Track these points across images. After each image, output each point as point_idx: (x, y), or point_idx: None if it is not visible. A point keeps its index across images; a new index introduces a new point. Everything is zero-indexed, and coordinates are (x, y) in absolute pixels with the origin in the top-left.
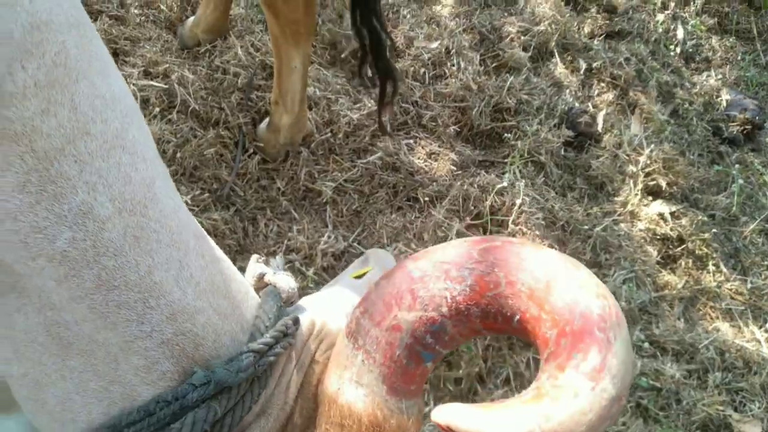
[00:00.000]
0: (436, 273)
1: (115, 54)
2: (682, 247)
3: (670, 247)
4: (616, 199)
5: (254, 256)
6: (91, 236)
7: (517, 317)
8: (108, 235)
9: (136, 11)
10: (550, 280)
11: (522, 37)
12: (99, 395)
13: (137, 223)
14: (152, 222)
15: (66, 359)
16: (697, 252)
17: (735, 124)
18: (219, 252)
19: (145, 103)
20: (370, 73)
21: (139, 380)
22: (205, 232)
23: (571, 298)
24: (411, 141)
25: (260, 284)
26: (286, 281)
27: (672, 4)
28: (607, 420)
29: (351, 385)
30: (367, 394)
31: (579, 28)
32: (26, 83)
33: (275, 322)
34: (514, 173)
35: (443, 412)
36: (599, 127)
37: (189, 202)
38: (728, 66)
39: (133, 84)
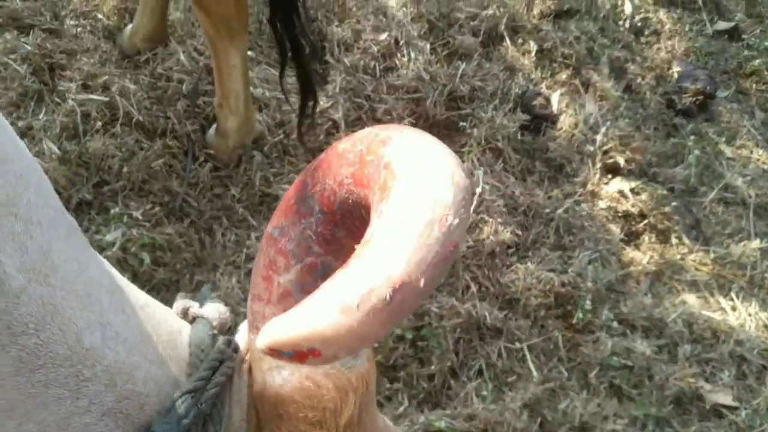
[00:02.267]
0: (290, 219)
1: (51, 69)
2: (644, 222)
3: (633, 223)
4: (575, 179)
5: (179, 294)
6: (4, 316)
7: (363, 211)
8: (25, 310)
9: (71, 22)
10: (361, 153)
11: (471, 23)
12: None
13: (49, 293)
14: (58, 290)
15: None
16: (659, 226)
17: (687, 95)
18: (142, 297)
19: (86, 117)
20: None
21: None
22: (120, 282)
23: (376, 156)
24: None
25: (187, 320)
26: (213, 309)
27: None
28: (433, 246)
29: (273, 373)
30: (291, 372)
31: (528, 10)
32: None
33: (209, 353)
34: (473, 162)
35: (261, 336)
36: (554, 108)
37: (140, 217)
38: (677, 38)
39: (72, 98)
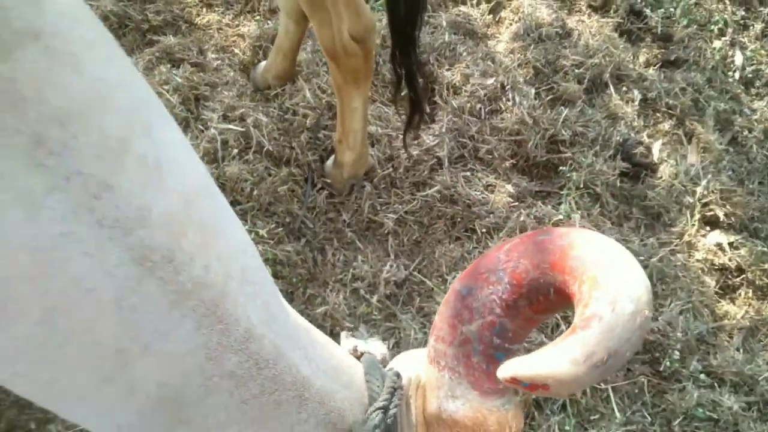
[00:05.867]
0: (479, 284)
1: (197, 99)
2: (742, 277)
3: (729, 277)
4: (672, 229)
5: (343, 333)
6: (253, 356)
7: (552, 290)
8: (266, 351)
9: (213, 56)
10: (563, 247)
11: (576, 70)
12: None
13: (275, 338)
14: (280, 336)
15: None
16: (757, 282)
17: None
18: (322, 336)
19: (224, 144)
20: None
21: None
22: (310, 325)
23: (582, 253)
24: (468, 173)
25: (355, 354)
26: (377, 347)
27: (730, 30)
28: (636, 330)
29: (448, 400)
30: (464, 402)
31: (633, 59)
32: (190, 248)
33: (383, 381)
34: (570, 205)
35: (504, 369)
36: (655, 158)
37: (265, 235)
38: None
39: (214, 127)
